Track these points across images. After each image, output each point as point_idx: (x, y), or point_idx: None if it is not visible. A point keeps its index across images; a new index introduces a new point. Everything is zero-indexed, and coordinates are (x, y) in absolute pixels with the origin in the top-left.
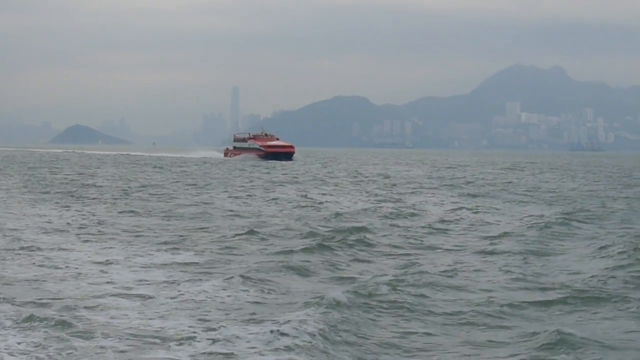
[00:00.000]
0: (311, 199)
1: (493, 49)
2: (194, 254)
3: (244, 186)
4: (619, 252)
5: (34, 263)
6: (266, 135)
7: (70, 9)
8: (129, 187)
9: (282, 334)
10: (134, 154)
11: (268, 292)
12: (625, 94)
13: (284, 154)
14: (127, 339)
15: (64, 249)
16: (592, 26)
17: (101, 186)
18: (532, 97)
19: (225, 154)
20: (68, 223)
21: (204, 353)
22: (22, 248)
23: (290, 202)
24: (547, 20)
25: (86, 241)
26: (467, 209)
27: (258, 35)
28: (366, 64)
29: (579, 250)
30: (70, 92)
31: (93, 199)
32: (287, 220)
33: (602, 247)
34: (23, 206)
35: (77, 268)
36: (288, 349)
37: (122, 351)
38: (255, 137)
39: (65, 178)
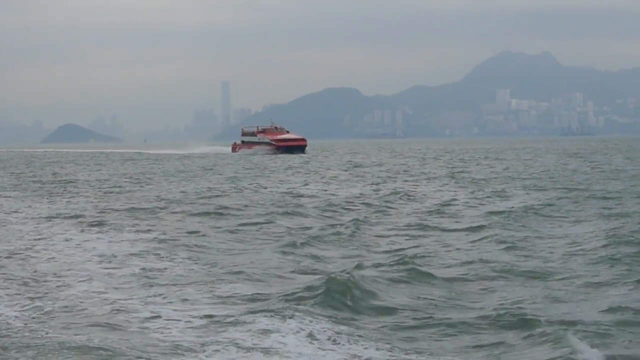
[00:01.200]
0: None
1: (481, 36)
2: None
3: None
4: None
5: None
6: (276, 128)
7: (58, 7)
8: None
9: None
10: (129, 151)
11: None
12: (614, 78)
13: (297, 147)
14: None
15: (47, 234)
16: (577, 11)
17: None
18: (521, 84)
19: (233, 149)
20: (58, 213)
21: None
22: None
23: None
24: (532, 7)
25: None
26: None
27: (246, 29)
28: (355, 55)
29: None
30: (61, 91)
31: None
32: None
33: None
34: (24, 203)
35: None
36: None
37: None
38: (265, 131)
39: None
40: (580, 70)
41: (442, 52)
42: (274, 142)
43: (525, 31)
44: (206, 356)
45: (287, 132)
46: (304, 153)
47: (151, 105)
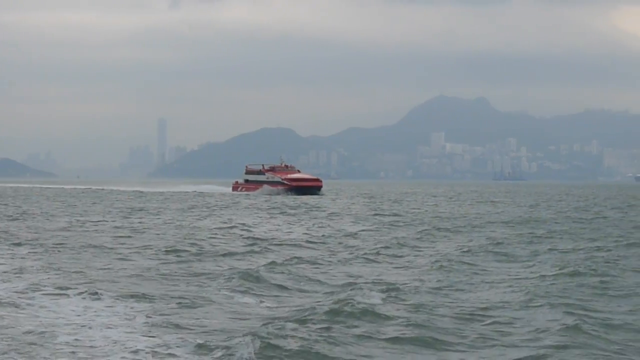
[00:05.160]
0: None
1: (417, 80)
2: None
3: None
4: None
5: None
6: (286, 166)
7: None
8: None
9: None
10: (110, 188)
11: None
12: (548, 124)
13: (312, 188)
14: None
15: None
16: (513, 58)
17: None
18: (456, 128)
19: (235, 188)
20: None
21: None
22: None
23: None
24: (468, 52)
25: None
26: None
27: (183, 67)
28: (291, 95)
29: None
30: None
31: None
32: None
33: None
34: None
35: None
36: None
37: None
38: (273, 169)
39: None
40: (515, 116)
41: (378, 94)
42: (286, 182)
43: (461, 76)
44: None
45: (298, 171)
46: (319, 195)
47: (86, 142)
